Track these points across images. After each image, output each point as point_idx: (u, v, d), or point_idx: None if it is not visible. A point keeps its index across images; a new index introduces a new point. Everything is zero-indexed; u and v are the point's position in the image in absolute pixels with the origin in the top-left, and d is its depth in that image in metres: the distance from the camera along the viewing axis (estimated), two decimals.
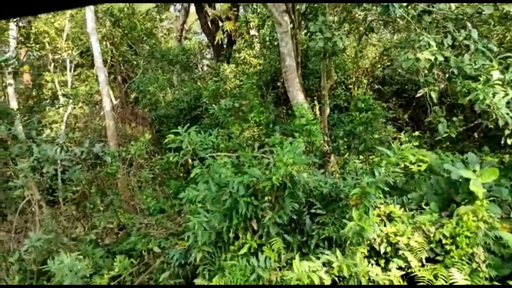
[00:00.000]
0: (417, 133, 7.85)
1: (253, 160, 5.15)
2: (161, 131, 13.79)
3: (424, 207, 5.00)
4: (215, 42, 14.04)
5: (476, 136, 7.35)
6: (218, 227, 4.34)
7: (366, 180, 4.00)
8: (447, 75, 4.91)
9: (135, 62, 17.90)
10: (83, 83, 18.32)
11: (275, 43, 9.47)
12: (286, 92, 7.23)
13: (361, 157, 6.12)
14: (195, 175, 4.60)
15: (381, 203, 4.76)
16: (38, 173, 5.26)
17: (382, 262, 4.16)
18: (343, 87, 8.72)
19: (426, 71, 4.68)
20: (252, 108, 6.50)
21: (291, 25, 6.76)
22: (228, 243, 4.61)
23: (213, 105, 6.78)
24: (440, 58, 4.30)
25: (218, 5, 15.13)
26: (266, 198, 4.19)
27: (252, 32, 14.44)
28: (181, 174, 9.08)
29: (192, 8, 17.96)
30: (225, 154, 5.57)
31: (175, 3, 19.29)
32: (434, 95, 4.56)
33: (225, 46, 15.08)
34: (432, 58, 4.04)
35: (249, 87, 6.61)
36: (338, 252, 3.74)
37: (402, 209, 4.66)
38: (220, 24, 14.17)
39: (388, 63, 8.63)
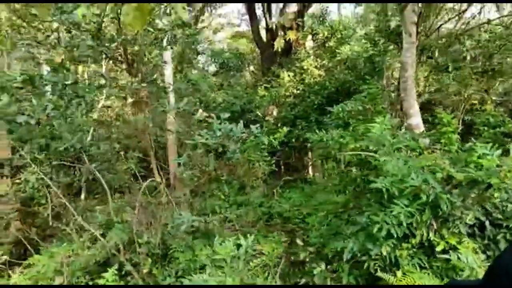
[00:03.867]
0: None
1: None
2: None
3: None
4: (274, 49, 14.16)
5: None
6: (407, 221, 4.32)
7: None
8: None
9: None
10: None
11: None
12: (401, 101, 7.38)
13: None
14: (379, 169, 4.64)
15: None
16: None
17: None
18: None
19: None
20: (378, 112, 6.57)
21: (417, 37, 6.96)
22: (402, 239, 4.59)
23: (335, 106, 6.84)
24: None
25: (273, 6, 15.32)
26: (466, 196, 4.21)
27: (308, 43, 14.66)
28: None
29: None
30: (372, 154, 5.58)
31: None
32: None
33: (277, 54, 15.19)
34: None
35: (376, 92, 6.69)
36: None
37: None
38: (280, 32, 14.33)
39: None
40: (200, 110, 5.34)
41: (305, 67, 12.89)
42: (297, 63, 13.42)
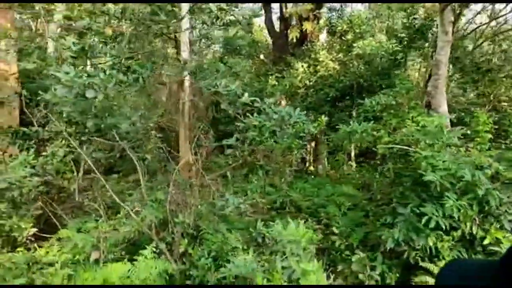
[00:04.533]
0: None
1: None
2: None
3: None
4: (287, 39, 14.09)
5: None
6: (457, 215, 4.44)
7: None
8: None
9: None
10: None
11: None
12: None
13: None
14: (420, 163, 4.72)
15: None
16: None
17: None
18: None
19: None
20: (411, 107, 6.66)
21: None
22: (446, 231, 4.72)
23: (366, 99, 6.89)
24: None
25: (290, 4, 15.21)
26: None
27: (322, 35, 14.62)
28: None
29: None
30: (415, 149, 5.66)
31: None
32: None
33: (289, 43, 15.07)
34: None
35: (410, 87, 6.77)
36: None
37: None
38: (294, 22, 14.24)
39: None
40: (246, 94, 5.31)
41: (320, 59, 12.87)
42: (312, 55, 13.37)
